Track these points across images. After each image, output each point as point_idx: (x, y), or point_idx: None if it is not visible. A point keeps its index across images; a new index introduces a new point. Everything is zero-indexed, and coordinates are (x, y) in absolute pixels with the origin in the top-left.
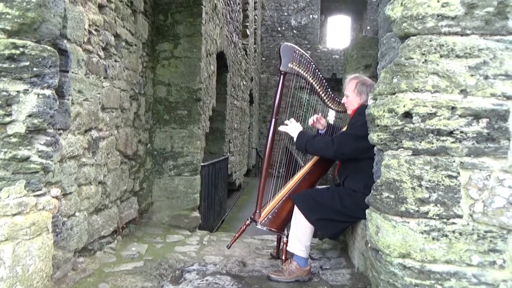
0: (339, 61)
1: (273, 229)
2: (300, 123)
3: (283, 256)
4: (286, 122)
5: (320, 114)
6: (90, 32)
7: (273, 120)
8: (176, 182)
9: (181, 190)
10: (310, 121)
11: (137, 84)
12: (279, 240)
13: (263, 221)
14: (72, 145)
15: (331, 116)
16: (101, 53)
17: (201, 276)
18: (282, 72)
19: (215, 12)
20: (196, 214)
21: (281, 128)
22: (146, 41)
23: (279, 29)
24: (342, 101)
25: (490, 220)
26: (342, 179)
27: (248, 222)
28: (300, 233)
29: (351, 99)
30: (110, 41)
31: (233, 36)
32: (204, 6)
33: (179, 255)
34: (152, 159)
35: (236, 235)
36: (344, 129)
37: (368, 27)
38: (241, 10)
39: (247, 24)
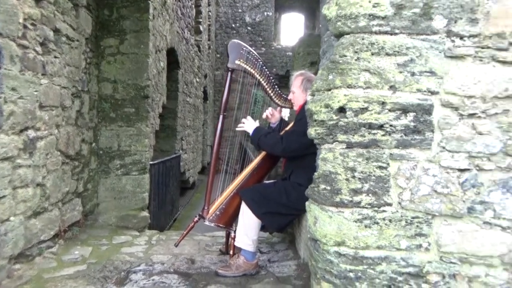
0: (292, 58)
1: (221, 225)
2: (256, 119)
3: (231, 251)
4: (243, 120)
5: (277, 109)
6: (25, 27)
7: (221, 116)
8: (124, 181)
9: (129, 190)
10: (264, 115)
11: (80, 81)
12: (228, 235)
13: (211, 218)
14: (5, 146)
15: (286, 112)
16: (39, 49)
17: (148, 276)
18: (230, 69)
19: (165, 7)
20: (145, 213)
21: (238, 127)
22: (89, 37)
23: (233, 25)
24: (289, 97)
25: (417, 207)
26: (288, 173)
27: (196, 219)
28: (248, 227)
29: (297, 95)
30: (48, 36)
31: (184, 32)
32: (152, 1)
33: (125, 256)
34: (98, 158)
35: (184, 232)
36: (291, 124)
37: (321, 25)
38: (193, 6)
39: (200, 20)
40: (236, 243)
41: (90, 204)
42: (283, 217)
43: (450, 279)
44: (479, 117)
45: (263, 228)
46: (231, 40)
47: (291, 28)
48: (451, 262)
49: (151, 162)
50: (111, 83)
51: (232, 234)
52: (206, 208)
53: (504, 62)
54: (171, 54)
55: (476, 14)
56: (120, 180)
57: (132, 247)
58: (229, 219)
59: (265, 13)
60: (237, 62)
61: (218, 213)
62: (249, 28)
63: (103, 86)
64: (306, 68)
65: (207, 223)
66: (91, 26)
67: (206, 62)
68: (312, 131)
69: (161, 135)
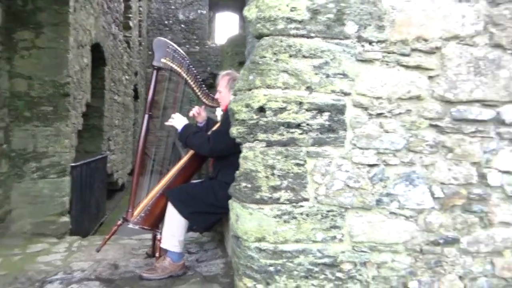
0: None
1: (145, 227)
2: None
3: (158, 253)
4: (173, 115)
5: (202, 107)
6: None
7: (146, 116)
8: (40, 185)
9: (46, 194)
10: (190, 114)
11: None
12: (154, 238)
13: (135, 220)
14: None
15: (218, 112)
16: None
17: (65, 285)
18: (155, 67)
19: (88, 0)
20: (65, 219)
21: (168, 122)
22: None
23: (166, 22)
24: (216, 97)
25: (331, 201)
26: (216, 173)
27: (119, 222)
28: (174, 228)
29: (224, 95)
30: None
31: (112, 27)
32: None
33: (41, 266)
34: (9, 161)
35: (107, 237)
36: (218, 124)
37: (246, 26)
38: (122, 0)
39: (130, 15)
40: (162, 245)
41: (1, 211)
42: (211, 216)
43: (361, 266)
44: (386, 116)
45: (190, 229)
46: (157, 38)
47: (226, 27)
48: (362, 251)
49: (72, 164)
50: (26, 79)
51: (158, 236)
52: (130, 210)
53: (407, 67)
54: (97, 49)
55: (383, 22)
56: (36, 184)
57: (49, 255)
58: (154, 221)
59: (199, 11)
60: (163, 60)
61: (143, 215)
62: (182, 25)
63: (16, 82)
64: (234, 67)
65: (131, 225)
66: (1, 17)
67: (136, 59)
68: (234, 130)
69: (85, 135)
